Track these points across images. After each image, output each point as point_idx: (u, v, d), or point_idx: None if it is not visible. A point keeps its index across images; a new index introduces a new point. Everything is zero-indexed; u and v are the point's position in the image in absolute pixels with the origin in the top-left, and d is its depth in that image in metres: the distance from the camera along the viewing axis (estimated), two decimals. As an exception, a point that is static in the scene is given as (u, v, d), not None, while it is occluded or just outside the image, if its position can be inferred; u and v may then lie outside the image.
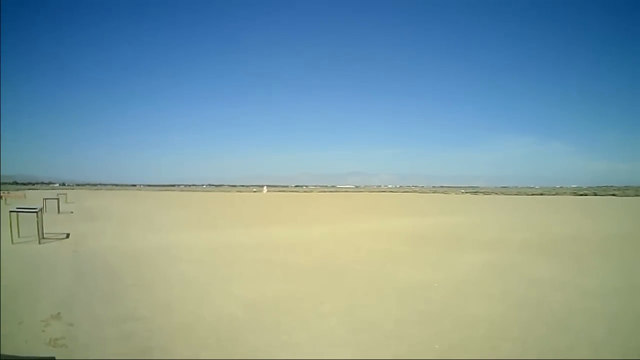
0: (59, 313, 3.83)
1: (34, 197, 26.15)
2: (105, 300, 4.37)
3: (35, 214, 8.84)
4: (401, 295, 4.72)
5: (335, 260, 7.10)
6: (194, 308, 4.19)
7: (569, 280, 5.36)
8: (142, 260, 6.81)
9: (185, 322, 3.73)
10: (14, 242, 8.19)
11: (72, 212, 17.38)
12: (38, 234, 8.62)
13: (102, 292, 4.71)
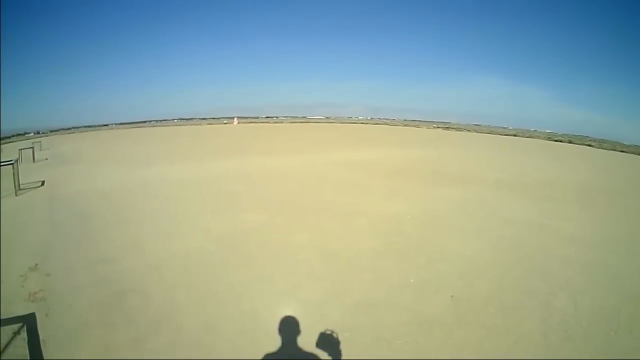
0: (36, 264, 3.83)
1: (9, 150, 25.04)
2: (79, 245, 4.37)
3: (11, 166, 8.54)
4: (375, 228, 4.68)
5: (308, 191, 7.03)
6: (165, 245, 4.18)
7: (544, 223, 5.20)
8: (114, 200, 6.79)
9: (157, 260, 3.74)
10: (-10, 197, 7.96)
11: (46, 159, 16.91)
12: (14, 185, 8.41)
13: (76, 237, 4.71)
